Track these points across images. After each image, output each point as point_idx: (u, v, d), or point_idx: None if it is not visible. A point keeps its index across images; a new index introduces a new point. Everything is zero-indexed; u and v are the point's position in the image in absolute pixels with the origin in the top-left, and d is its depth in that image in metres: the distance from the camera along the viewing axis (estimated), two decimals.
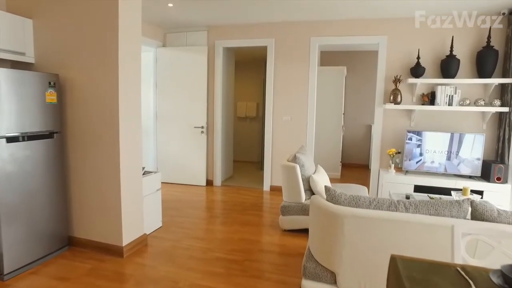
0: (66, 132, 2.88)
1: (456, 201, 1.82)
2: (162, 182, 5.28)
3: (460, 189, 3.30)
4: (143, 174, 3.23)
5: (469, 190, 3.14)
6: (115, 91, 2.68)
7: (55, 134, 2.74)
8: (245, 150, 7.59)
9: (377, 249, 1.85)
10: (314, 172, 3.55)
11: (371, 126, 6.90)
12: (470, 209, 1.82)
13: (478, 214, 1.77)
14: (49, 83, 2.65)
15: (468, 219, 1.81)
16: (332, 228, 1.95)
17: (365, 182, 5.37)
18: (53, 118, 2.72)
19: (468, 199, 1.82)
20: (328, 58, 6.66)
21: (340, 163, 6.23)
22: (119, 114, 2.70)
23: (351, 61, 6.83)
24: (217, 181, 5.32)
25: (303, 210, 3.30)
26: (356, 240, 1.89)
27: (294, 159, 3.39)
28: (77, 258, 2.75)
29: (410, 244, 1.77)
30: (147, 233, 3.22)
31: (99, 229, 2.88)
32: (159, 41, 5.19)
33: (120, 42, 2.65)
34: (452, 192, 3.27)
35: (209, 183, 5.32)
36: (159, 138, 5.39)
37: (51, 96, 2.67)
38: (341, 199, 1.99)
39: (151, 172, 3.40)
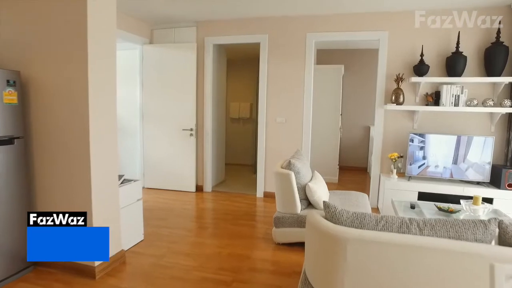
0: (31, 137, 2.54)
1: (481, 221, 1.52)
2: (148, 188, 5.02)
3: (469, 197, 3.01)
4: (121, 182, 2.91)
5: (481, 199, 2.86)
6: (84, 90, 2.35)
7: (15, 140, 2.40)
8: (238, 152, 7.28)
9: (386, 279, 1.54)
10: (311, 179, 3.24)
11: (369, 127, 6.62)
12: (497, 230, 1.52)
13: (508, 238, 1.47)
14: (8, 81, 2.31)
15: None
16: (332, 252, 1.64)
17: (364, 187, 5.09)
18: (13, 121, 2.38)
19: (495, 219, 1.52)
20: (325, 56, 6.36)
21: (338, 167, 5.93)
22: (90, 117, 2.37)
23: (349, 60, 6.53)
24: (208, 186, 5.00)
25: (299, 221, 2.99)
26: (361, 268, 1.58)
27: (289, 165, 3.08)
28: (41, 282, 2.41)
29: (428, 275, 1.46)
30: (126, 248, 2.90)
31: None
32: (145, 38, 4.86)
33: (89, 35, 2.32)
34: (462, 201, 2.96)
35: (199, 188, 4.99)
36: (146, 141, 5.05)
37: (10, 96, 2.34)
38: (342, 218, 1.68)
39: (131, 180, 3.07)
